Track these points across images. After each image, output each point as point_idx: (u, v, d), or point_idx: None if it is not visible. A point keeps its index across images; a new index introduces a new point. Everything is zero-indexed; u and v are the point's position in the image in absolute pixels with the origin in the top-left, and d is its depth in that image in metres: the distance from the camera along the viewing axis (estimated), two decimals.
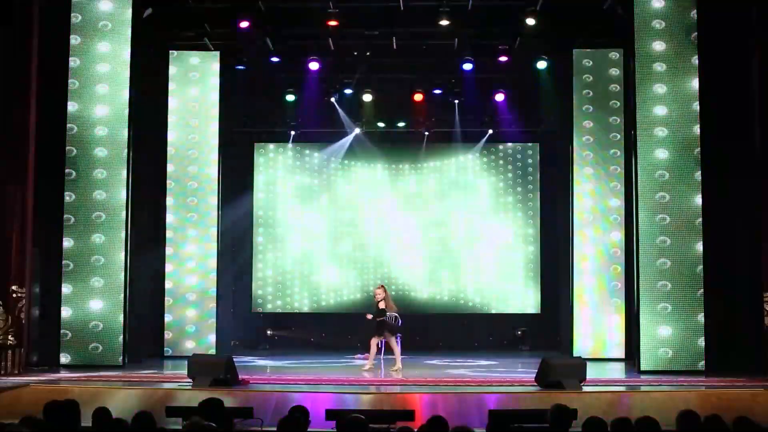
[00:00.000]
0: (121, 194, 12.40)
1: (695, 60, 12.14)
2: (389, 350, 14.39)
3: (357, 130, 16.96)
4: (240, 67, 15.72)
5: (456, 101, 16.57)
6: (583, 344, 14.33)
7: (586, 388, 10.21)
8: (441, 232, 17.54)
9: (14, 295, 11.49)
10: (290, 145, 17.59)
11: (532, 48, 14.92)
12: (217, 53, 15.01)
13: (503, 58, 15.23)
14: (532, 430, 6.82)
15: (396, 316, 12.78)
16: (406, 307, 16.43)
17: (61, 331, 12.23)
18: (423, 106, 16.65)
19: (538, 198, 17.38)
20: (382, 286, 13.28)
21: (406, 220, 17.57)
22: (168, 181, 14.77)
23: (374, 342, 12.81)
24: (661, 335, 11.90)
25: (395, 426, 7.01)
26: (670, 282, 11.94)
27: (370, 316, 12.91)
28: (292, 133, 17.23)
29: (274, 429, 5.47)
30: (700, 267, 11.92)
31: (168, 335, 14.59)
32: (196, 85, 14.96)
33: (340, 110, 16.70)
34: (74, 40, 12.54)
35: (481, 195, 17.54)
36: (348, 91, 16.40)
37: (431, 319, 16.88)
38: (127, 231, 12.40)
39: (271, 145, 17.77)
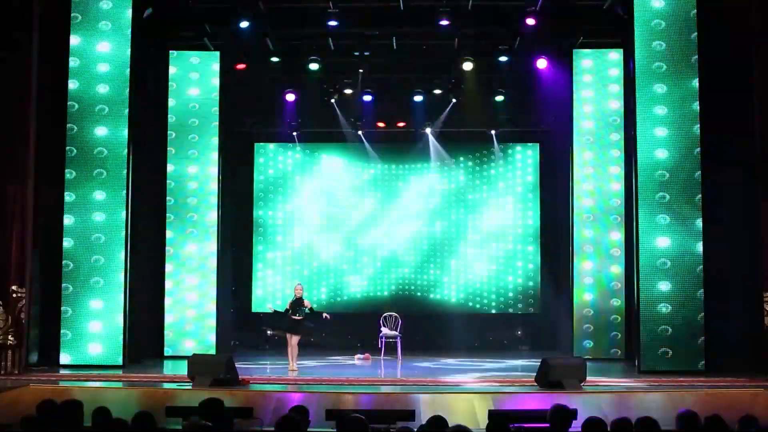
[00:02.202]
0: (121, 194, 12.39)
1: (695, 60, 12.14)
2: (389, 350, 14.45)
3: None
4: (240, 66, 15.71)
5: (456, 101, 16.57)
6: (583, 344, 14.34)
7: (586, 388, 10.22)
8: (441, 232, 17.54)
9: (14, 295, 11.47)
10: (290, 144, 17.60)
11: (532, 48, 14.92)
12: (217, 53, 15.00)
13: (503, 58, 15.23)
14: (532, 430, 6.82)
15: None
16: (406, 307, 16.46)
17: (61, 331, 12.23)
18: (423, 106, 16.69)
19: (538, 198, 17.37)
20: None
21: (406, 221, 17.57)
22: (168, 181, 14.76)
23: (295, 340, 12.70)
24: (661, 335, 11.90)
25: (395, 426, 7.02)
26: (670, 282, 11.95)
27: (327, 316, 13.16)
28: (295, 133, 17.25)
29: (274, 429, 5.47)
30: (700, 267, 11.93)
31: (168, 335, 14.57)
32: (196, 85, 14.95)
33: (340, 115, 16.68)
34: (74, 40, 12.54)
35: (480, 195, 17.54)
36: (348, 91, 16.40)
37: (431, 320, 16.88)
38: (127, 231, 12.40)
39: (271, 145, 17.77)
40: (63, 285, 12.26)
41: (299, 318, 12.74)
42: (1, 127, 11.78)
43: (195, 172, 14.80)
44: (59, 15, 12.36)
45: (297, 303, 12.81)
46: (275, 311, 13.53)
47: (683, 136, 12.10)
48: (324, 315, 13.22)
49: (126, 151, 12.46)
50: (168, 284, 14.67)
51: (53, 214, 12.31)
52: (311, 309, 12.93)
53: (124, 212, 12.40)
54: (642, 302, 11.98)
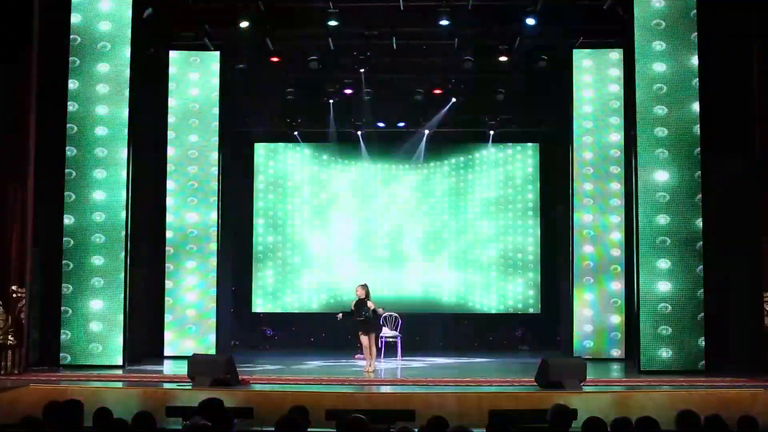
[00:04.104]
0: (121, 194, 12.40)
1: (695, 59, 12.14)
2: (389, 350, 14.45)
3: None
4: (240, 66, 15.71)
5: (455, 101, 16.56)
6: (583, 344, 14.34)
7: (586, 388, 10.21)
8: (441, 232, 17.54)
9: (14, 295, 11.47)
10: (290, 144, 17.61)
11: (532, 48, 14.91)
12: (217, 53, 14.98)
13: (503, 58, 15.23)
14: (532, 430, 6.82)
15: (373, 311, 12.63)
16: (407, 307, 16.45)
17: (61, 331, 12.23)
18: (422, 106, 16.67)
19: (537, 198, 17.38)
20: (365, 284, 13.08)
21: (406, 220, 17.57)
22: (168, 181, 14.76)
23: (366, 340, 12.61)
24: (661, 335, 11.90)
25: (395, 426, 7.02)
26: (670, 282, 11.95)
27: (381, 311, 12.82)
28: (295, 133, 17.25)
29: (274, 429, 5.47)
30: (700, 267, 11.93)
31: (168, 335, 14.58)
32: (196, 85, 14.94)
33: (340, 116, 16.65)
34: (74, 40, 12.53)
35: (480, 195, 17.54)
36: (348, 91, 16.39)
37: (431, 319, 16.88)
38: (127, 231, 12.40)
39: (271, 145, 17.78)
40: (63, 285, 12.25)
41: (363, 318, 12.53)
42: (1, 128, 11.78)
43: (195, 173, 14.79)
44: (59, 15, 12.35)
45: (360, 304, 12.64)
46: (344, 314, 13.20)
47: (683, 137, 12.11)
48: (380, 310, 12.96)
49: (126, 151, 12.47)
50: (168, 284, 14.66)
51: (53, 214, 12.31)
52: (374, 310, 12.64)
53: (124, 212, 12.39)
54: (642, 302, 11.99)
